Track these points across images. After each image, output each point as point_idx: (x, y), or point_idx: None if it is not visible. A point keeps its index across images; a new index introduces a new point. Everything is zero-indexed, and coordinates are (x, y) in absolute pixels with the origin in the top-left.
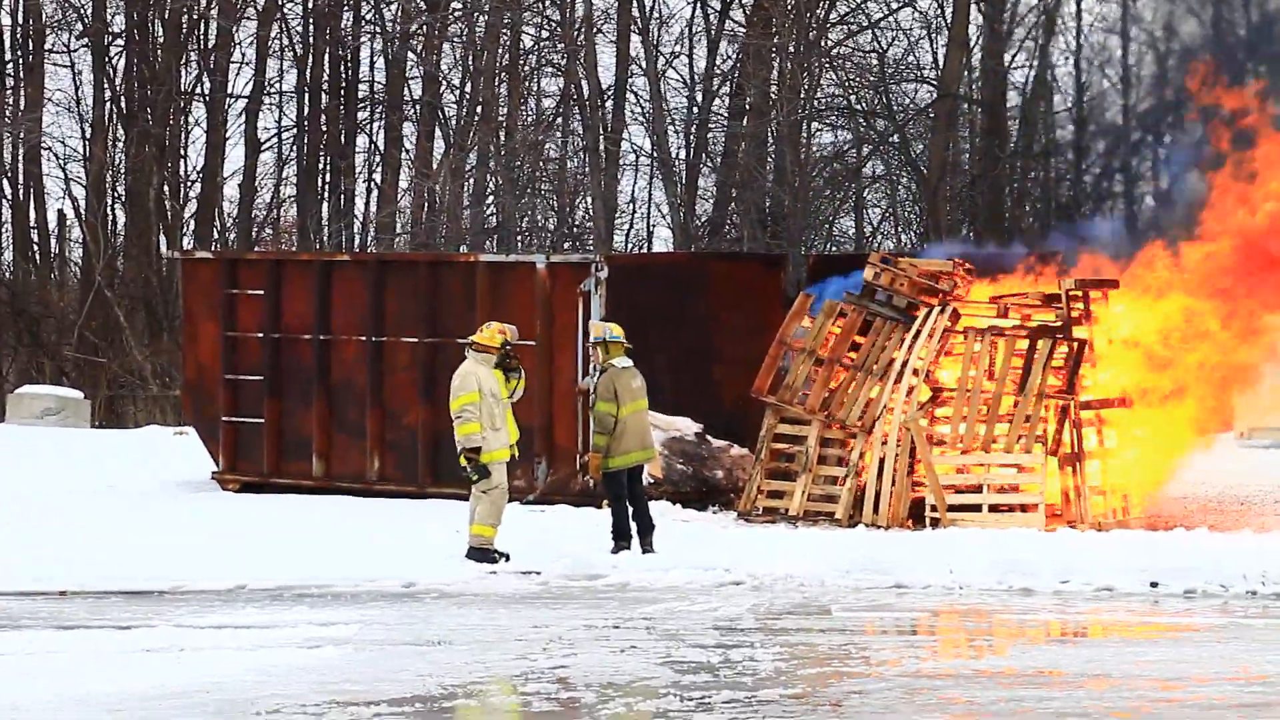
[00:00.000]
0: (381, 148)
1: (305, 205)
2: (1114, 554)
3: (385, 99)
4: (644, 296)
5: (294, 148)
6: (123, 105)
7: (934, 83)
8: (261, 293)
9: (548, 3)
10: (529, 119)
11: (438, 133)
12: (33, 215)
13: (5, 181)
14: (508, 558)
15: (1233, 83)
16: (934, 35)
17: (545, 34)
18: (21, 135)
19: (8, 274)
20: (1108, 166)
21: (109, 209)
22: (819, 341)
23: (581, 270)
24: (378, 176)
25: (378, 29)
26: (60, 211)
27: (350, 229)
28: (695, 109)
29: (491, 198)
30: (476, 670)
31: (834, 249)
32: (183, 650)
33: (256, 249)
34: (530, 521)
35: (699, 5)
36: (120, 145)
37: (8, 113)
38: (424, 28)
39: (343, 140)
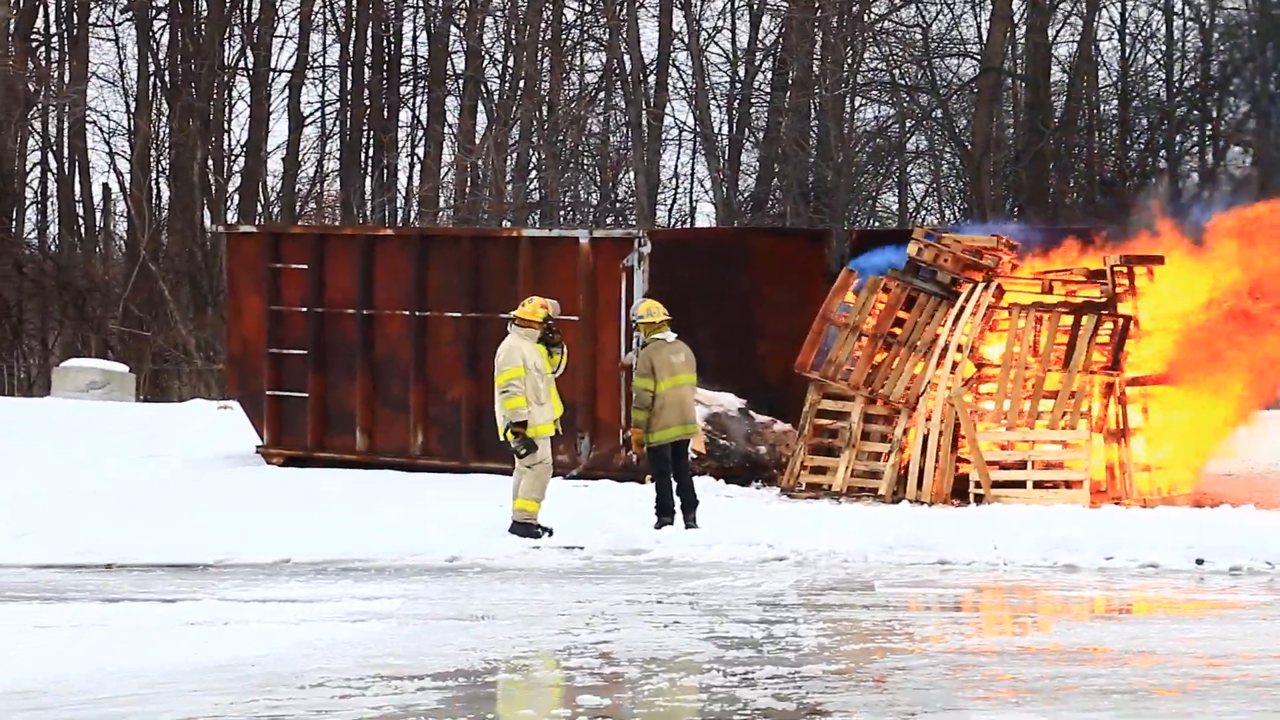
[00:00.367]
0: (424, 122)
1: (348, 179)
2: (1159, 530)
3: (428, 73)
4: (687, 272)
5: (337, 122)
6: (167, 79)
7: (977, 57)
8: (305, 267)
9: None
10: (571, 94)
11: (480, 107)
12: (78, 190)
13: (50, 156)
14: (551, 532)
15: None
16: (978, 9)
17: (588, 8)
18: (66, 110)
19: (53, 248)
20: (1152, 141)
21: (153, 183)
22: (863, 317)
23: (624, 245)
24: (420, 151)
25: (421, 3)
26: (105, 186)
27: (393, 203)
28: (738, 84)
29: (534, 172)
30: (520, 645)
31: (877, 225)
32: (227, 624)
33: (300, 223)
34: (573, 496)
35: None
36: (164, 119)
37: (53, 87)
38: (466, 2)
39: (385, 115)
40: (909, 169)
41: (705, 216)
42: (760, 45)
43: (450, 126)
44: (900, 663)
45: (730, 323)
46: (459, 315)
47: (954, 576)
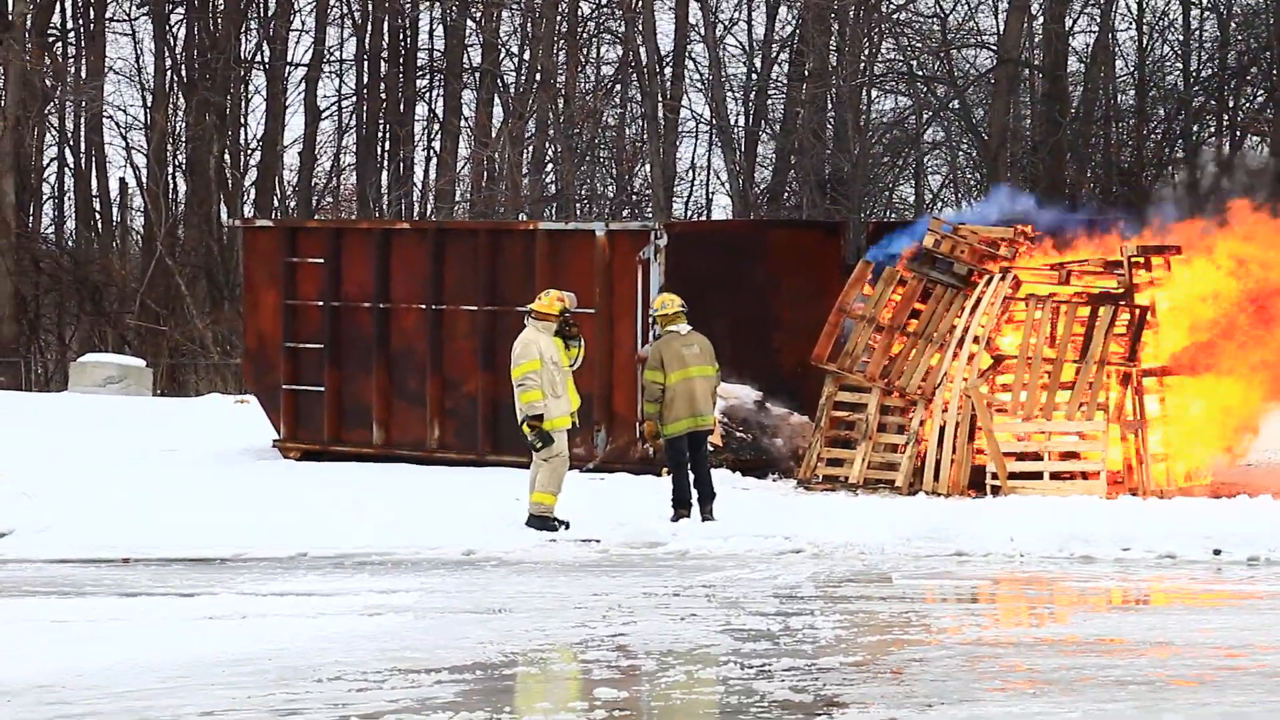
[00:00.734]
0: (440, 116)
1: (365, 173)
2: (1176, 521)
3: (444, 67)
4: (703, 264)
5: (353, 116)
6: (183, 74)
7: (994, 48)
8: (321, 261)
9: None
10: (588, 86)
11: (496, 100)
12: (94, 184)
13: (68, 151)
14: (567, 525)
15: None
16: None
17: (604, 1)
18: (84, 105)
19: (70, 243)
20: (1169, 131)
21: (170, 177)
22: (879, 309)
23: (641, 238)
24: (437, 144)
25: None
26: (122, 180)
27: (409, 197)
28: (754, 75)
29: (550, 165)
30: (536, 638)
31: (894, 216)
32: (245, 617)
33: (316, 217)
34: (590, 489)
35: None
36: (181, 114)
37: (70, 82)
38: None
39: (402, 108)
40: (926, 160)
41: (721, 209)
42: (777, 36)
43: (466, 120)
44: (917, 654)
45: (746, 315)
46: (475, 308)
47: (971, 568)
